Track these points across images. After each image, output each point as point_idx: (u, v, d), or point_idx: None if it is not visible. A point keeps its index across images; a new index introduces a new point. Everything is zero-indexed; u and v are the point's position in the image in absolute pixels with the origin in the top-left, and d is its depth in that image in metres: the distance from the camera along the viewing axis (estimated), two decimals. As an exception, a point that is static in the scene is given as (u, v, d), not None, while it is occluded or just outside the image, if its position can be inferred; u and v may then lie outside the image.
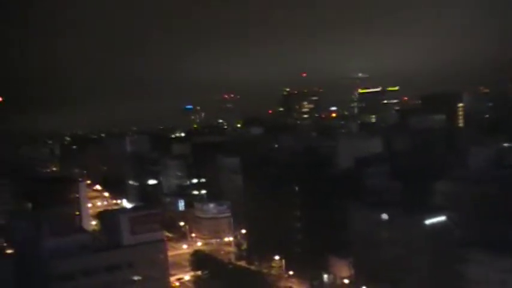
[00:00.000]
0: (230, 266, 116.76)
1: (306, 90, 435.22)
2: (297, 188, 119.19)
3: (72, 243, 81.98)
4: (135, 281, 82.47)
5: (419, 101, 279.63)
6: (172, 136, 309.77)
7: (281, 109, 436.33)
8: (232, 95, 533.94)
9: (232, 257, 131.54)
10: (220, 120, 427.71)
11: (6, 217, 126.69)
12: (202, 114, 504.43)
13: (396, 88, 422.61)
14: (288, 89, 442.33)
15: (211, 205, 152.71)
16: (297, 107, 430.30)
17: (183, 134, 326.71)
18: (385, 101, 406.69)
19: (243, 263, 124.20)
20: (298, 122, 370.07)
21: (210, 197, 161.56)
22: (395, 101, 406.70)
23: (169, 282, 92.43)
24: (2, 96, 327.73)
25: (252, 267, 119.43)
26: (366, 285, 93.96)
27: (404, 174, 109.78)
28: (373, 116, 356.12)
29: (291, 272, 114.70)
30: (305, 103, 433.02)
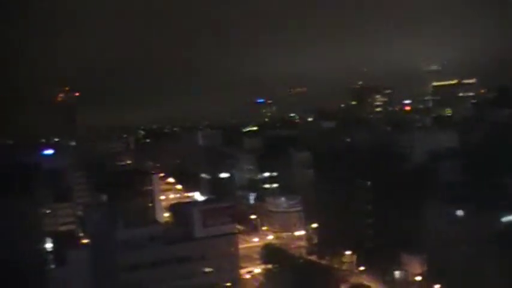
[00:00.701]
0: (301, 260, 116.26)
1: (378, 84, 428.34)
2: (369, 183, 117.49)
3: (146, 235, 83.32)
4: (206, 273, 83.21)
5: (497, 94, 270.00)
6: (244, 130, 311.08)
7: (353, 102, 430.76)
8: (304, 89, 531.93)
9: (303, 251, 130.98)
10: (292, 114, 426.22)
11: (83, 209, 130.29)
12: (274, 108, 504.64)
13: (473, 81, 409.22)
14: (360, 82, 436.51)
15: (283, 199, 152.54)
16: (370, 100, 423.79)
17: (254, 128, 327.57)
18: (461, 94, 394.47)
19: (313, 258, 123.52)
20: (371, 115, 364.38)
21: (281, 191, 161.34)
22: (471, 93, 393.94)
23: (239, 274, 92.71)
24: (79, 91, 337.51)
25: (323, 262, 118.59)
26: (438, 283, 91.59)
27: (480, 170, 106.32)
28: (449, 110, 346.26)
29: (362, 268, 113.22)
30: (378, 96, 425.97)
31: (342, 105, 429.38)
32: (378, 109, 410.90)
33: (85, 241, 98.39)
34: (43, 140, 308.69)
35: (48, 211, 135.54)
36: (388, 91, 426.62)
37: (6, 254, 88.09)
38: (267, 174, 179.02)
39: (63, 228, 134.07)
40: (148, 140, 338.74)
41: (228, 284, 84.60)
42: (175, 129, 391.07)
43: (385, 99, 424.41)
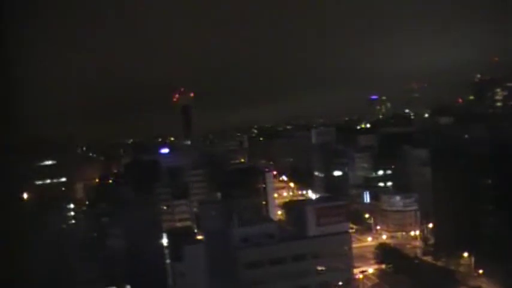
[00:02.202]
0: (416, 261, 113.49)
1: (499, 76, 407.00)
2: (490, 181, 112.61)
3: (260, 232, 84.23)
4: (319, 271, 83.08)
5: None
6: (358, 127, 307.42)
7: (471, 97, 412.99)
8: (419, 84, 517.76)
9: (418, 252, 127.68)
10: (407, 110, 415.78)
11: (198, 206, 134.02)
12: (388, 105, 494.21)
13: None
14: (479, 76, 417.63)
15: (398, 197, 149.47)
16: (490, 94, 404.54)
17: (368, 125, 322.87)
18: None
19: (429, 258, 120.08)
20: (491, 110, 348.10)
21: (396, 189, 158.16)
22: None
23: (353, 274, 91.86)
24: (194, 92, 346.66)
25: (439, 263, 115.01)
26: None
27: None
28: None
29: (480, 271, 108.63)
30: (498, 90, 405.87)
31: (460, 100, 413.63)
32: (498, 104, 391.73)
33: (200, 237, 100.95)
34: (160, 139, 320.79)
35: (166, 208, 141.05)
36: (510, 84, 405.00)
37: (132, 248, 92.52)
38: (381, 172, 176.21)
39: (179, 224, 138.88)
40: (261, 139, 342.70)
41: (341, 283, 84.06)
42: (288, 127, 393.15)
43: (506, 93, 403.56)
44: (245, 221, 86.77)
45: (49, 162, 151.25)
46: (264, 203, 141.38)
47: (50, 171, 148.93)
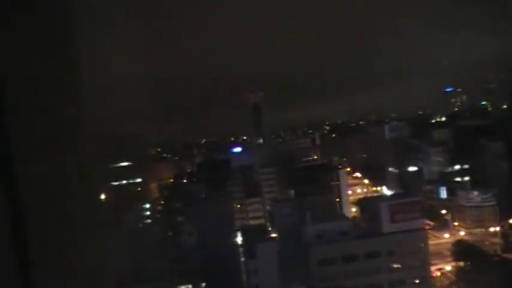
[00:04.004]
0: (495, 258, 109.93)
1: None
2: None
3: (333, 229, 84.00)
4: (394, 269, 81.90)
5: None
6: (432, 121, 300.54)
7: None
8: (496, 74, 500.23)
9: (498, 249, 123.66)
10: (483, 102, 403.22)
11: (271, 204, 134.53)
12: (464, 97, 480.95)
13: None
14: None
15: (476, 193, 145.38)
16: None
17: (443, 119, 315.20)
18: None
19: (509, 256, 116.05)
20: None
21: (473, 184, 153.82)
22: None
23: (429, 271, 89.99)
24: (264, 90, 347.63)
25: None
26: None
27: None
28: None
29: None
30: None
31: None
32: None
33: (273, 235, 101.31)
34: (232, 138, 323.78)
35: (239, 206, 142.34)
36: None
37: (206, 245, 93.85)
38: (457, 166, 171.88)
39: (252, 222, 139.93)
40: (334, 135, 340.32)
41: (417, 281, 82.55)
42: (361, 123, 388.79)
43: None
44: (318, 218, 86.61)
45: (124, 163, 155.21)
46: (337, 200, 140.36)
47: (125, 172, 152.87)
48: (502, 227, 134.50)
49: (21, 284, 2.52)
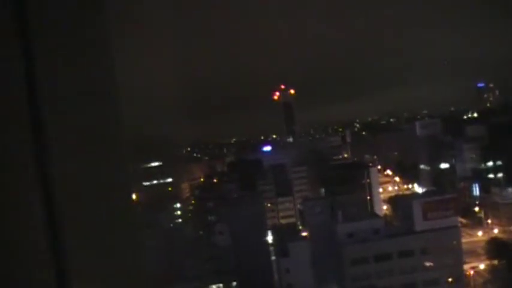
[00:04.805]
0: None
1: None
2: None
3: (365, 228, 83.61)
4: (428, 267, 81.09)
5: None
6: (465, 117, 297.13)
7: None
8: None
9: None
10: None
11: (302, 202, 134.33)
12: (497, 92, 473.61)
13: None
14: None
15: (510, 189, 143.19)
16: None
17: (475, 115, 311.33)
18: None
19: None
20: None
21: (507, 181, 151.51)
22: None
23: (463, 270, 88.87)
24: (294, 89, 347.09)
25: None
26: None
27: None
28: None
29: None
30: None
31: None
32: None
33: (305, 234, 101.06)
34: (262, 137, 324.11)
35: (270, 205, 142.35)
36: None
37: (238, 244, 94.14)
38: (491, 163, 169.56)
39: (284, 221, 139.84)
40: (364, 133, 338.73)
41: (451, 280, 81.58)
42: (392, 120, 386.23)
43: None
44: (350, 217, 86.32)
45: (155, 164, 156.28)
46: (368, 198, 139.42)
47: (156, 172, 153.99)
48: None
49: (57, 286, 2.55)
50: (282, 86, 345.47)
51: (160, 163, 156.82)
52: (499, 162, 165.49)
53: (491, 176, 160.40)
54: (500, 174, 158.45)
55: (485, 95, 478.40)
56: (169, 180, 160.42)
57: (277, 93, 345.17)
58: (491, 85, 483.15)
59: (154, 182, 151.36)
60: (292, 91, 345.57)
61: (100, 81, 2.67)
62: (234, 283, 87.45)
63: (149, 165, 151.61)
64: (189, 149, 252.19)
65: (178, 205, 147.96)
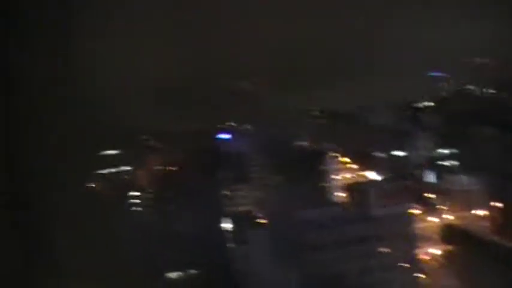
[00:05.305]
0: (485, 242, 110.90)
1: None
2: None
3: (323, 215, 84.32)
4: (383, 253, 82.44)
5: None
6: (420, 106, 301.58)
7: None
8: (486, 59, 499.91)
9: (487, 232, 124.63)
10: (472, 87, 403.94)
11: (261, 190, 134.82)
12: (451, 81, 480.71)
13: None
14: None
15: (463, 177, 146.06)
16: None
17: (431, 103, 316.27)
18: None
19: (497, 239, 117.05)
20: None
21: (461, 168, 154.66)
22: None
23: (418, 255, 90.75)
24: (257, 75, 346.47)
25: (508, 243, 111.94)
26: None
27: None
28: None
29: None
30: None
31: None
32: None
33: (263, 221, 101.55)
34: (221, 125, 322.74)
35: (229, 193, 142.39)
36: None
37: (196, 232, 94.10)
38: (446, 151, 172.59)
39: (243, 208, 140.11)
40: (324, 121, 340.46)
41: (406, 265, 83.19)
42: (349, 108, 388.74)
43: None
44: (308, 204, 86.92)
45: (114, 152, 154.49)
46: (326, 185, 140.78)
47: (114, 160, 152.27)
48: (489, 210, 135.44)
49: (21, 272, 2.53)
50: (247, 74, 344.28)
51: (118, 151, 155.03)
52: (453, 150, 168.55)
53: (445, 163, 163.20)
54: (454, 162, 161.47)
55: (441, 84, 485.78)
56: (127, 168, 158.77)
57: (242, 82, 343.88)
58: (446, 74, 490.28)
59: (112, 170, 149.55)
60: (256, 79, 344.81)
61: (62, 66, 2.67)
62: (193, 271, 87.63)
63: (106, 153, 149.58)
64: (147, 136, 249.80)
65: (135, 194, 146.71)
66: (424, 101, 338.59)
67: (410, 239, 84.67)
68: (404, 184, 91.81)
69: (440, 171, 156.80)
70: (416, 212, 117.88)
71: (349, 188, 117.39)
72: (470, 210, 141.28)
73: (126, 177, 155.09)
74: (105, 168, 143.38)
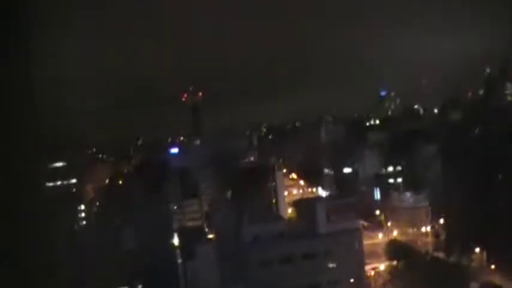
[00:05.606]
0: (427, 257, 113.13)
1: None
2: (501, 176, 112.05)
3: (270, 231, 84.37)
4: (330, 269, 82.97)
5: None
6: (367, 124, 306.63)
7: (481, 91, 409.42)
8: (429, 78, 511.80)
9: (430, 248, 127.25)
10: (416, 106, 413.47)
11: (209, 205, 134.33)
12: (398, 100, 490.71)
13: None
14: (488, 70, 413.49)
15: (408, 194, 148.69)
16: (500, 88, 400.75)
17: (377, 122, 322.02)
18: None
19: (440, 254, 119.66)
20: (502, 105, 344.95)
21: (406, 186, 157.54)
22: None
23: (364, 270, 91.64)
24: (203, 90, 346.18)
25: (451, 259, 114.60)
26: None
27: None
28: None
29: (492, 266, 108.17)
30: (509, 84, 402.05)
31: (470, 95, 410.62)
32: (509, 98, 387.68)
33: (211, 236, 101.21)
34: (169, 139, 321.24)
35: (176, 207, 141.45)
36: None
37: (143, 247, 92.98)
38: (391, 168, 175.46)
39: (190, 223, 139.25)
40: (271, 137, 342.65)
41: (352, 280, 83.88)
42: (297, 124, 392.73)
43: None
44: (255, 219, 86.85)
45: (59, 164, 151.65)
46: (274, 201, 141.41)
47: (60, 173, 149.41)
48: (433, 227, 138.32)
49: None
50: (191, 88, 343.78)
51: (64, 163, 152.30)
52: (398, 168, 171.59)
53: (391, 180, 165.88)
54: (399, 179, 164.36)
55: (387, 103, 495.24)
56: (73, 181, 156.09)
57: (185, 95, 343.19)
58: (392, 93, 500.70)
59: (58, 182, 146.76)
60: (200, 93, 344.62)
61: (15, 81, 2.72)
62: (140, 286, 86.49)
63: (52, 165, 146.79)
64: (94, 149, 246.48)
65: (82, 207, 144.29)
66: (371, 119, 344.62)
67: (357, 255, 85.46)
68: (352, 200, 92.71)
69: (387, 188, 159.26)
70: (363, 228, 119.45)
71: (297, 203, 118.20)
72: (414, 226, 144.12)
73: (73, 190, 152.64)
74: (52, 180, 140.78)
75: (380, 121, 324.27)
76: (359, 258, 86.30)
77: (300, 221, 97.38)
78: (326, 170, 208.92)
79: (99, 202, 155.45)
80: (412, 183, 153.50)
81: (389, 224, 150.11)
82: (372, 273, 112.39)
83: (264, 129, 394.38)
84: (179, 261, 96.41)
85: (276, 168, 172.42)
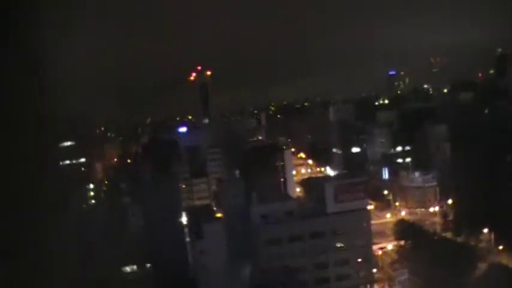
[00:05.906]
0: (435, 237, 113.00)
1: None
2: (510, 158, 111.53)
3: (278, 210, 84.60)
4: (338, 248, 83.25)
5: None
6: (376, 103, 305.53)
7: (492, 71, 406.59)
8: (439, 59, 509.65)
9: (438, 228, 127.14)
10: (426, 86, 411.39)
11: (217, 184, 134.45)
12: (407, 80, 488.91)
13: None
14: (500, 50, 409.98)
15: (417, 174, 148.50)
16: (510, 69, 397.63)
17: (387, 101, 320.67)
18: None
19: (448, 235, 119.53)
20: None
21: (415, 166, 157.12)
22: None
23: (372, 250, 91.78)
24: (212, 70, 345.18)
25: (459, 240, 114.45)
26: None
27: None
28: None
29: (500, 247, 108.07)
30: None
31: (480, 75, 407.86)
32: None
33: (219, 215, 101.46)
34: (177, 118, 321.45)
35: (185, 186, 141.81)
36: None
37: (152, 226, 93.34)
38: (400, 148, 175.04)
39: (198, 202, 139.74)
40: (279, 116, 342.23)
41: (360, 260, 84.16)
42: (306, 104, 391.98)
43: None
44: (264, 199, 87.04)
45: (68, 143, 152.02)
46: (282, 180, 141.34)
47: (69, 152, 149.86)
48: (441, 207, 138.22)
49: None
50: (199, 67, 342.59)
51: (73, 142, 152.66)
52: (407, 148, 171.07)
53: (399, 160, 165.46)
54: (408, 159, 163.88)
55: (396, 83, 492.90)
56: (82, 160, 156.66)
57: (194, 74, 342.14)
58: (402, 73, 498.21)
59: (67, 162, 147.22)
60: (208, 72, 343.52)
61: (23, 60, 2.66)
62: (148, 265, 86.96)
63: (61, 145, 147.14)
64: (103, 128, 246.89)
65: (91, 186, 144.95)
66: (380, 99, 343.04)
67: (365, 234, 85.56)
68: (360, 180, 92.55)
69: (395, 167, 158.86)
70: (371, 207, 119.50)
71: (305, 183, 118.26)
72: (422, 206, 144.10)
73: (81, 169, 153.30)
74: (61, 160, 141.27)
75: (389, 101, 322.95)
76: (367, 238, 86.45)
77: (308, 200, 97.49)
78: (334, 150, 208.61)
79: (108, 181, 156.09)
80: (421, 163, 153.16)
81: (397, 203, 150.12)
82: (380, 252, 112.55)
83: (273, 109, 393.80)
84: (187, 240, 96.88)
85: (284, 147, 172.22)
